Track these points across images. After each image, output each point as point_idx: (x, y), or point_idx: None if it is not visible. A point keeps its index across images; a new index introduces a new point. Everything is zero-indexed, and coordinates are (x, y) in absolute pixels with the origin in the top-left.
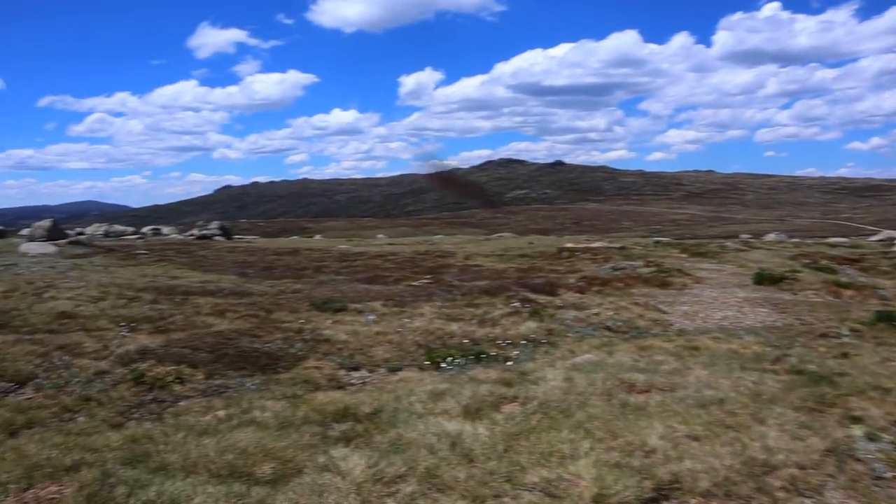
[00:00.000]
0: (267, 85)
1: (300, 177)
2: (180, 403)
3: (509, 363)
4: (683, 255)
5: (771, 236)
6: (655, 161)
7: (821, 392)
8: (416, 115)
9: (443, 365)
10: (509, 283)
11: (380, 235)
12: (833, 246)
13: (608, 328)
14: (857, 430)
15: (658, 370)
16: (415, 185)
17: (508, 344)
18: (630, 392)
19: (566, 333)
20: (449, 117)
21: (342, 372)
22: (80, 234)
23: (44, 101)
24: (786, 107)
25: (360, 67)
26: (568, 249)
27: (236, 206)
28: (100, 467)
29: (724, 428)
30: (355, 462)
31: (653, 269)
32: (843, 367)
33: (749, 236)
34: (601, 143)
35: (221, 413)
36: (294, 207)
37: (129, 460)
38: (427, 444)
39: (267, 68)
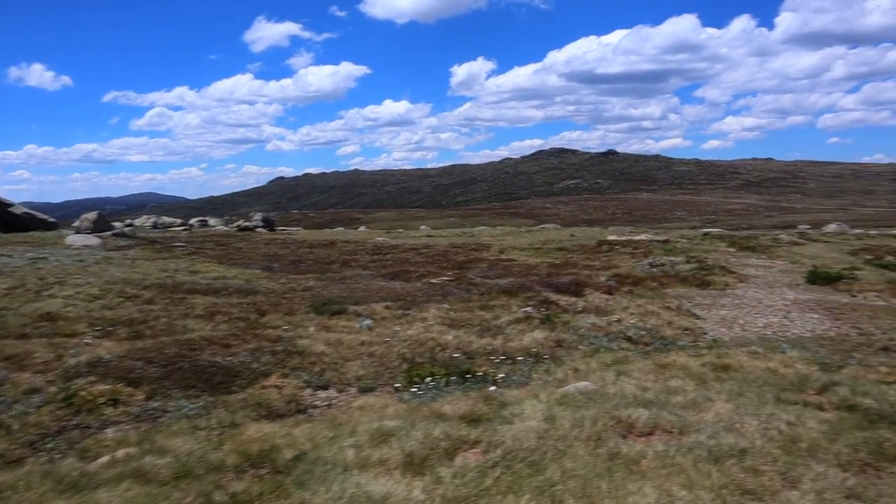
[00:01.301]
0: (320, 77)
1: (351, 168)
2: (106, 431)
3: (493, 387)
4: (731, 250)
5: (832, 227)
6: (711, 149)
7: (878, 439)
8: (467, 105)
9: (415, 388)
10: (534, 282)
11: (422, 227)
12: None
13: (628, 339)
14: None
15: (669, 403)
16: (465, 175)
17: (504, 360)
18: (626, 436)
19: (577, 345)
20: (500, 107)
21: (307, 391)
22: (129, 225)
23: (108, 97)
24: (853, 90)
25: (412, 58)
26: (608, 243)
27: (288, 198)
28: None
29: (741, 495)
30: None
31: (693, 265)
32: None
33: (808, 227)
34: (655, 131)
35: (122, 453)
36: (345, 198)
37: None
38: None
39: (320, 61)
